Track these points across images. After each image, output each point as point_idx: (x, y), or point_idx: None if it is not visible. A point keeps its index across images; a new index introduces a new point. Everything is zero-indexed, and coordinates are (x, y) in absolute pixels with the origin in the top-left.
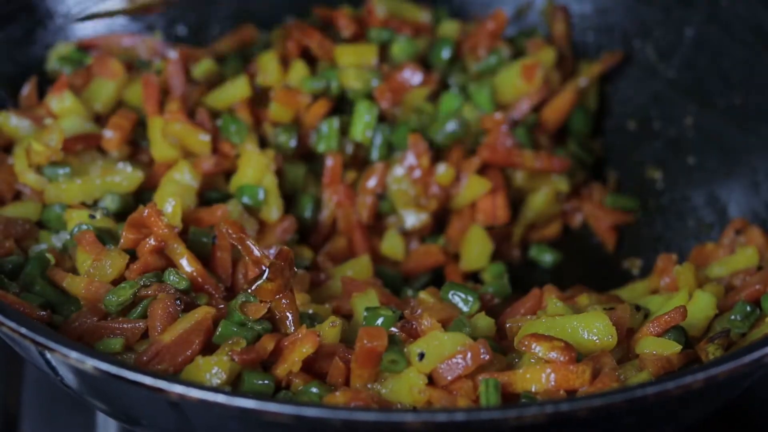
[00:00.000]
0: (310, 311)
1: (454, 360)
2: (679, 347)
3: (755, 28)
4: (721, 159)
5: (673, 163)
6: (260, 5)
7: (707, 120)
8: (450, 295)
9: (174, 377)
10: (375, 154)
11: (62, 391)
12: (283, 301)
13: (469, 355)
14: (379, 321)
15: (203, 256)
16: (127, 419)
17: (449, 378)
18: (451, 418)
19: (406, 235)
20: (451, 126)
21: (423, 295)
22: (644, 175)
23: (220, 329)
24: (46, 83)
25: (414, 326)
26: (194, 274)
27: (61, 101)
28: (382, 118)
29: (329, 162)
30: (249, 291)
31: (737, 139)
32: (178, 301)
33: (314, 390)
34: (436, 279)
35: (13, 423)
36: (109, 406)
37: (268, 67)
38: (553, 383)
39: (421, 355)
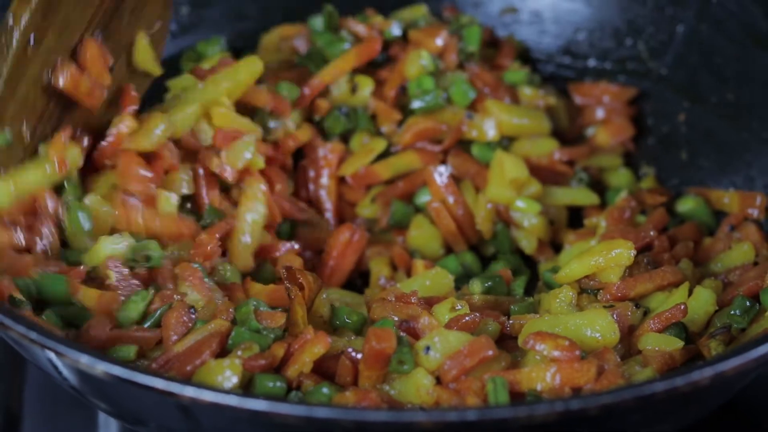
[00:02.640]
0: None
1: (459, 355)
2: (681, 343)
3: (746, 25)
4: (714, 154)
5: (666, 159)
6: (251, 8)
7: (700, 116)
8: None
9: (185, 380)
10: None
11: (64, 390)
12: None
13: (473, 350)
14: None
15: None
16: (135, 421)
17: (454, 372)
18: (462, 417)
19: None
20: None
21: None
22: (638, 171)
23: (232, 338)
24: None
25: (413, 326)
26: None
27: None
28: None
29: None
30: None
31: (730, 134)
32: (192, 310)
33: (325, 390)
34: None
35: (14, 422)
36: (116, 408)
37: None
38: (558, 381)
39: (427, 349)
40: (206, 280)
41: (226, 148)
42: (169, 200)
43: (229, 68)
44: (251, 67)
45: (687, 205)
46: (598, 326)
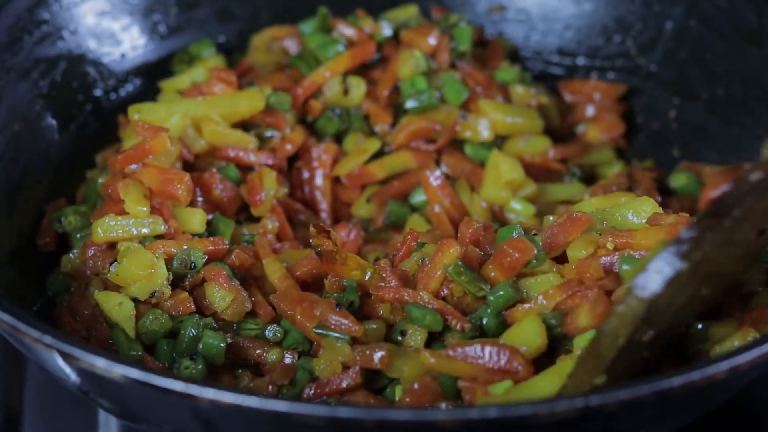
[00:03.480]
0: None
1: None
2: None
3: (736, 21)
4: (706, 151)
5: (657, 155)
6: (240, 8)
7: (690, 112)
8: None
9: (203, 383)
10: None
11: (64, 389)
12: None
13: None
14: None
15: None
16: (144, 421)
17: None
18: (483, 414)
19: None
20: None
21: None
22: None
23: None
24: None
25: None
26: None
27: None
28: None
29: None
30: None
31: (722, 130)
32: None
33: None
34: None
35: (15, 420)
36: (129, 411)
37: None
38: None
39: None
40: (232, 280)
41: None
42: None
43: (231, 95)
44: (253, 101)
45: (679, 180)
46: (643, 212)
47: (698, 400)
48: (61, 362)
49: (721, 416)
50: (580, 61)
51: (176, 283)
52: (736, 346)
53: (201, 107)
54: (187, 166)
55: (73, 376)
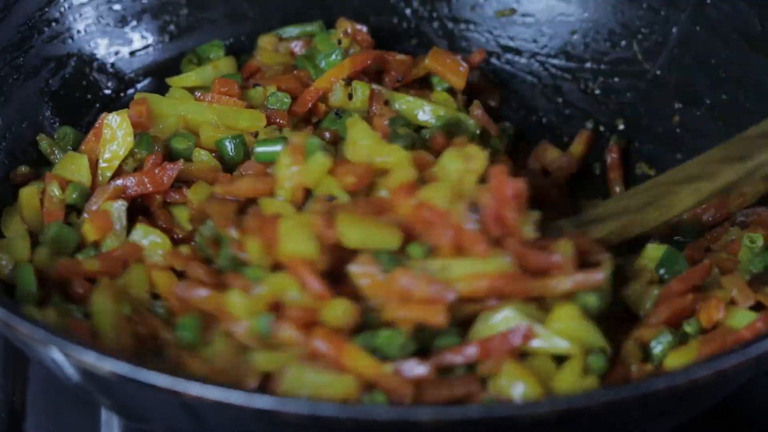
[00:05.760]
0: None
1: None
2: None
3: (741, 27)
4: None
5: (661, 160)
6: (250, 10)
7: (694, 118)
8: None
9: (189, 378)
10: None
11: (67, 387)
12: None
13: None
14: None
15: None
16: (141, 419)
17: None
18: (465, 414)
19: None
20: None
21: None
22: (634, 171)
23: None
24: None
25: None
26: None
27: None
28: None
29: None
30: None
31: (725, 136)
32: None
33: None
34: None
35: (18, 420)
36: (122, 406)
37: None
38: None
39: None
40: None
41: None
42: None
43: (235, 111)
44: (253, 120)
45: None
46: None
47: (686, 402)
48: (54, 357)
49: (719, 416)
50: (587, 65)
51: None
52: None
53: (203, 112)
54: None
55: (69, 371)
